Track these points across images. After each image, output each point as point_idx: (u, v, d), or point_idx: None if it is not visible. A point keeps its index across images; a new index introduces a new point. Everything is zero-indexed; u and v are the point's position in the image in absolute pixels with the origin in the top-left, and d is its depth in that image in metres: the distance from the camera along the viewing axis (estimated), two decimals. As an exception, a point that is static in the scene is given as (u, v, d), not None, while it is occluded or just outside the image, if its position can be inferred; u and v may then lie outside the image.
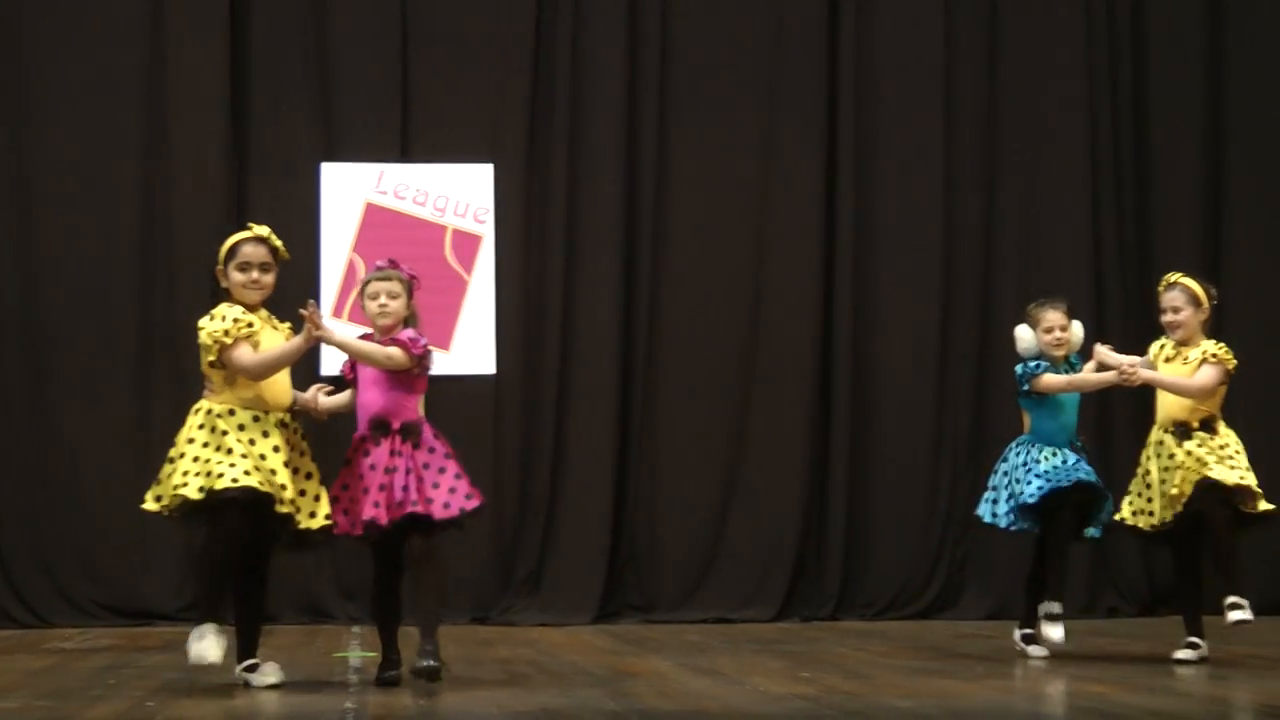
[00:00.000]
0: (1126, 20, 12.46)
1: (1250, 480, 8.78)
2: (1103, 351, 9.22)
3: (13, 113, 11.48)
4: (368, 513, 7.57)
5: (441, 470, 7.71)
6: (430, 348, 7.91)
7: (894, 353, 12.11)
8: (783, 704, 7.26)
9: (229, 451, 7.43)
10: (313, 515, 7.61)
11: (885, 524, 12.01)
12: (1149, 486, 8.95)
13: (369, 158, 11.62)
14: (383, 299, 7.85)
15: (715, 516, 11.90)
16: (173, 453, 7.59)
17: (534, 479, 11.68)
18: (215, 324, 7.57)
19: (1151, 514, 8.91)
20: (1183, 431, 8.89)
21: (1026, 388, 9.23)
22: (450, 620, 11.25)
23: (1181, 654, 8.84)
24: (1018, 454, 9.26)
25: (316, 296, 10.98)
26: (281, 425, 7.61)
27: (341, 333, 8.11)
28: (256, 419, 7.56)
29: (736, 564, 11.84)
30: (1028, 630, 9.34)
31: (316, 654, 9.38)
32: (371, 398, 7.78)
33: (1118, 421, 11.84)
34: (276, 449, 7.52)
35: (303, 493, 7.62)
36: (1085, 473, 9.08)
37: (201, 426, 7.55)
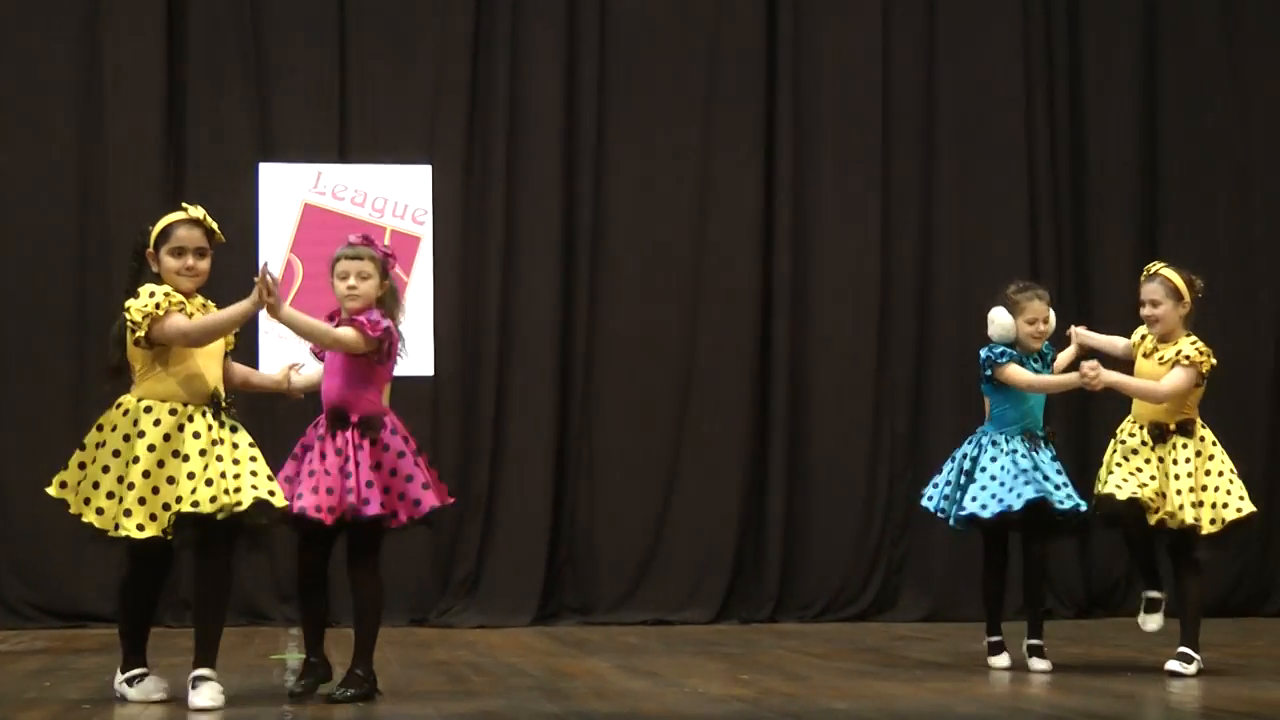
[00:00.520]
0: (1062, 23, 12.50)
1: (1215, 512, 8.48)
2: (1081, 333, 8.99)
3: (-53, 111, 11.42)
4: (308, 505, 7.21)
5: (393, 473, 7.38)
6: (396, 330, 7.44)
7: (832, 356, 12.13)
8: (721, 706, 7.26)
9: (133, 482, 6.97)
10: (238, 491, 7.02)
11: (823, 526, 12.03)
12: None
13: (307, 158, 11.58)
14: (352, 279, 7.39)
15: (653, 518, 11.90)
16: (91, 456, 7.15)
17: (472, 481, 11.65)
18: (143, 300, 7.10)
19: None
20: (1158, 434, 8.59)
21: (989, 373, 8.80)
22: (388, 622, 11.19)
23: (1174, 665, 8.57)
24: (972, 444, 8.91)
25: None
26: (204, 413, 7.11)
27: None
28: (174, 412, 7.08)
29: (674, 566, 11.85)
30: (1033, 641, 8.87)
31: (253, 656, 9.35)
32: (330, 386, 7.41)
33: (1094, 414, 11.81)
34: (191, 450, 7.02)
35: (222, 475, 7.01)
36: (1036, 488, 8.65)
37: (115, 428, 7.14)
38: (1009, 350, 8.82)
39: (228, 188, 11.39)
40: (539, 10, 11.93)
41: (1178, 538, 8.53)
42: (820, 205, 12.19)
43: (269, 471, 7.19)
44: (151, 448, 7.04)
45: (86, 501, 7.09)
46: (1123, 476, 8.51)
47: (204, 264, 7.36)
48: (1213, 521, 8.50)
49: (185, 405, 7.14)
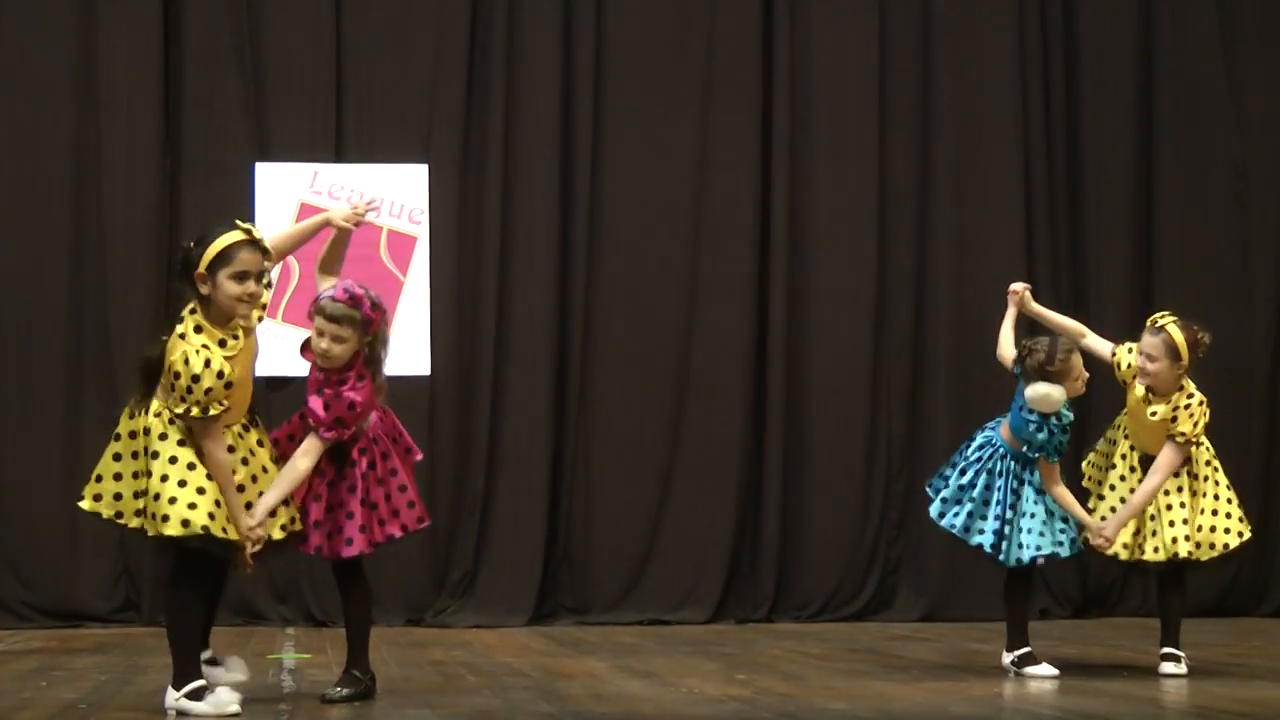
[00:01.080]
0: (1058, 24, 12.50)
1: (1210, 536, 8.45)
2: (1028, 300, 8.74)
3: (-58, 109, 11.41)
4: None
5: (338, 506, 7.31)
6: (358, 409, 7.26)
7: (829, 355, 12.13)
8: (717, 706, 7.26)
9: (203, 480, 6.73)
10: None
11: (820, 526, 12.02)
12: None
13: (303, 157, 11.56)
14: (326, 343, 7.19)
15: (650, 518, 11.90)
16: (151, 466, 6.76)
17: (468, 480, 11.65)
18: (197, 379, 6.63)
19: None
20: (1148, 464, 8.51)
21: (1035, 456, 8.51)
22: (384, 622, 11.24)
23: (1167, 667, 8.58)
24: (1013, 473, 8.56)
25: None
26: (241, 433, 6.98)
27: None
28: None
29: (671, 566, 11.84)
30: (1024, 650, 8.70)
31: (250, 656, 9.32)
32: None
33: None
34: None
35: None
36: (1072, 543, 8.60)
37: (181, 441, 6.78)
38: (1063, 444, 8.56)
39: (223, 187, 11.38)
40: (535, 10, 11.93)
41: (1166, 564, 8.53)
42: (816, 206, 12.19)
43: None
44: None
45: (166, 519, 6.71)
46: (1112, 506, 8.62)
47: (268, 293, 7.02)
48: (1211, 545, 8.51)
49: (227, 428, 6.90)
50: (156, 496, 6.70)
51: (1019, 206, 12.32)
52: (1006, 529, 8.53)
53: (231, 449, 6.88)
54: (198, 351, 6.68)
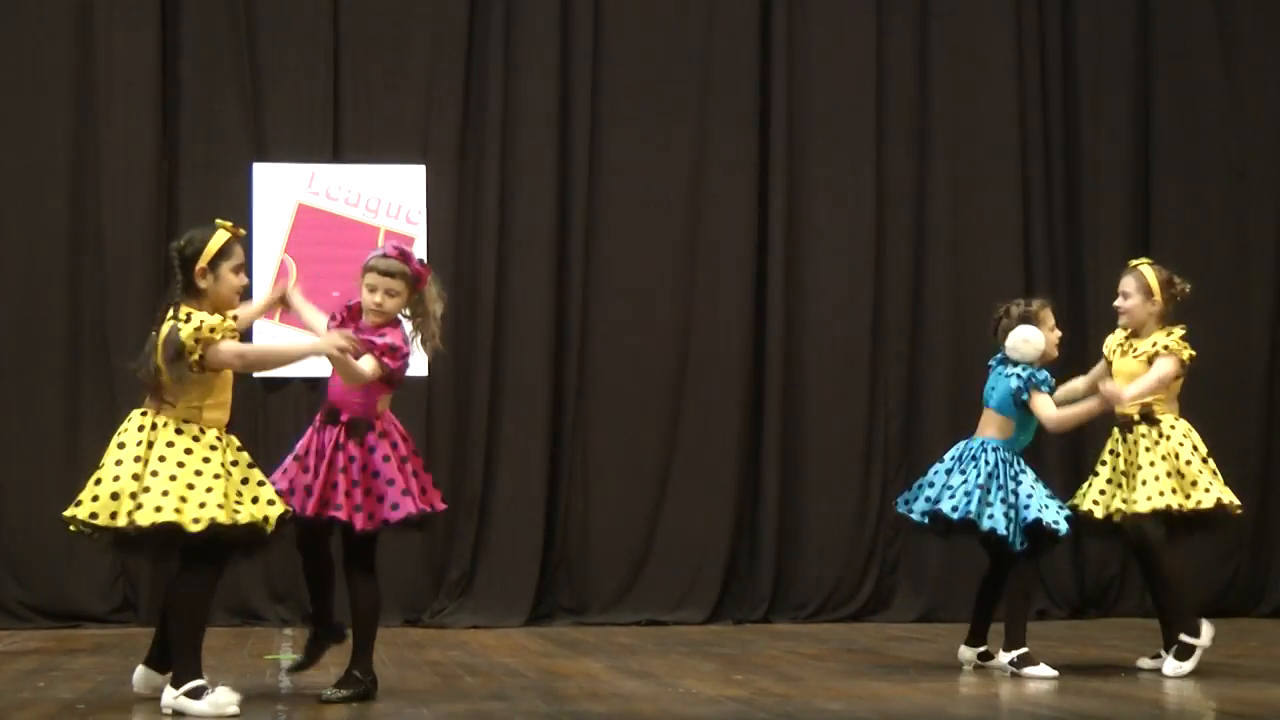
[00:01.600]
0: (1055, 26, 12.51)
1: (1170, 498, 8.55)
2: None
3: (-60, 109, 11.41)
4: (296, 500, 7.32)
5: (374, 474, 7.42)
6: (409, 353, 7.54)
7: (825, 355, 12.13)
8: (714, 706, 7.27)
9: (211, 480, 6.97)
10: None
11: (817, 526, 12.02)
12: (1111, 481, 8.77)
13: (301, 158, 11.57)
14: (380, 295, 7.46)
15: (647, 518, 11.90)
16: (134, 470, 6.96)
17: (466, 481, 11.65)
18: (193, 324, 6.96)
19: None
20: (1125, 425, 8.74)
21: (1026, 398, 8.68)
22: (382, 623, 11.20)
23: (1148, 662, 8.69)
24: (1006, 461, 8.71)
25: (249, 297, 10.92)
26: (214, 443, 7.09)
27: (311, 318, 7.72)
28: (196, 439, 7.04)
29: (668, 566, 11.84)
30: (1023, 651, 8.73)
31: (247, 656, 9.35)
32: (333, 381, 7.48)
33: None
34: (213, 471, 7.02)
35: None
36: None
37: (170, 445, 7.02)
38: (1049, 377, 8.76)
39: (221, 188, 11.39)
40: (533, 10, 11.93)
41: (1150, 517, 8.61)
42: (814, 207, 12.19)
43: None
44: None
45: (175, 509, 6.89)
46: (1095, 492, 8.84)
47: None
48: (1187, 500, 8.61)
49: (204, 433, 7.08)
50: (165, 493, 6.89)
51: (1016, 209, 12.31)
52: (1012, 513, 8.59)
53: (214, 449, 7.05)
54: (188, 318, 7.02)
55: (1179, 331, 8.80)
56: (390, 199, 11.56)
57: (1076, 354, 12.20)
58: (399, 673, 8.54)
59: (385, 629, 10.88)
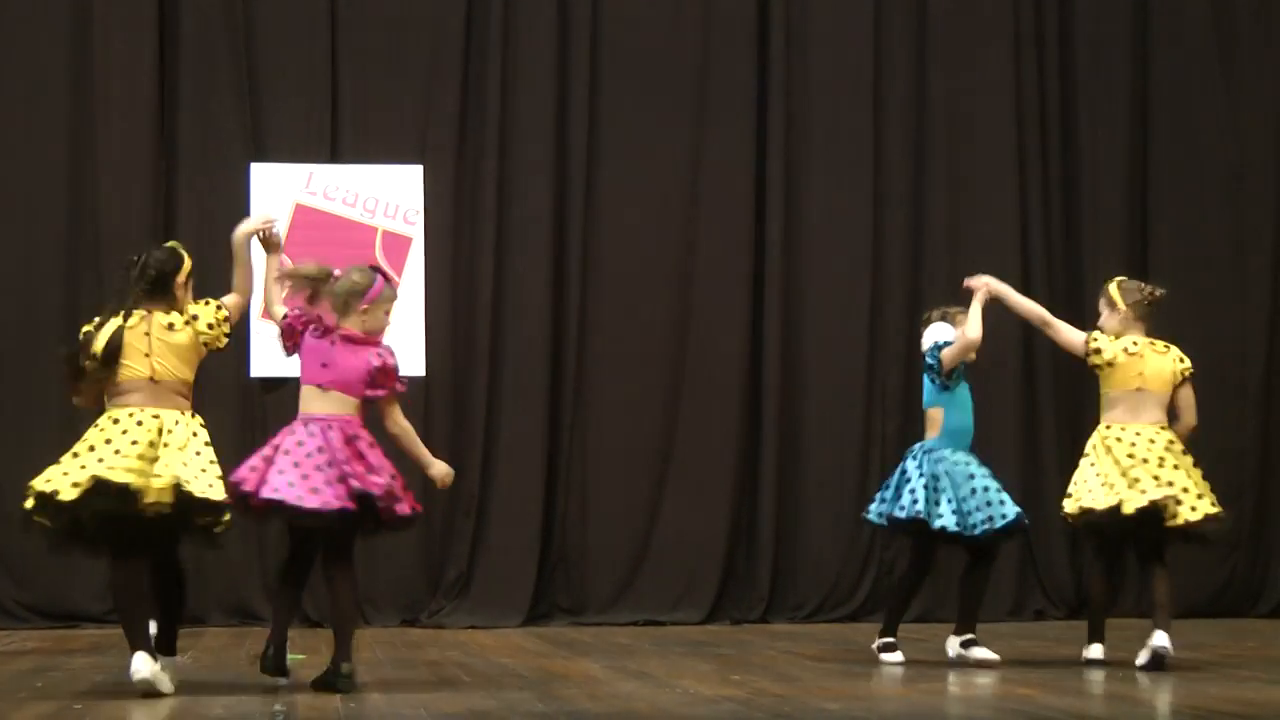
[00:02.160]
0: (1053, 27, 12.52)
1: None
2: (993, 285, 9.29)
3: (-62, 110, 11.41)
4: (325, 497, 7.47)
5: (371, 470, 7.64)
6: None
7: (823, 356, 12.14)
8: (712, 706, 7.27)
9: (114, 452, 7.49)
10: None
11: (815, 527, 12.03)
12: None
13: (298, 158, 11.57)
14: (380, 320, 7.85)
15: (645, 519, 11.91)
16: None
17: (463, 481, 11.62)
18: (212, 312, 7.72)
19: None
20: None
21: (936, 367, 9.10)
22: (380, 623, 11.25)
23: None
24: (945, 459, 9.05)
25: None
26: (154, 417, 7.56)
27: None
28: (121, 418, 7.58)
29: (666, 566, 11.85)
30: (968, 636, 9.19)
31: (245, 656, 9.34)
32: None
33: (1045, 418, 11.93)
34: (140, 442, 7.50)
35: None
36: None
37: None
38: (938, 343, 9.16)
39: (219, 188, 11.40)
40: (530, 11, 11.93)
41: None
42: (811, 209, 12.20)
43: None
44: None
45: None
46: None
47: None
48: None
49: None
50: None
51: (1014, 209, 12.33)
52: (963, 506, 8.95)
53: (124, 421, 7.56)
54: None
55: (1128, 338, 8.99)
56: (388, 199, 11.56)
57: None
58: (397, 673, 8.54)
59: (383, 629, 10.92)
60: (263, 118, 11.64)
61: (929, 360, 9.16)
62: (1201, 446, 9.10)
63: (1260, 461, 12.38)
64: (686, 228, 12.08)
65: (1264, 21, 12.72)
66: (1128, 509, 8.64)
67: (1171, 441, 8.81)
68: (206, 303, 7.75)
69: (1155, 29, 12.61)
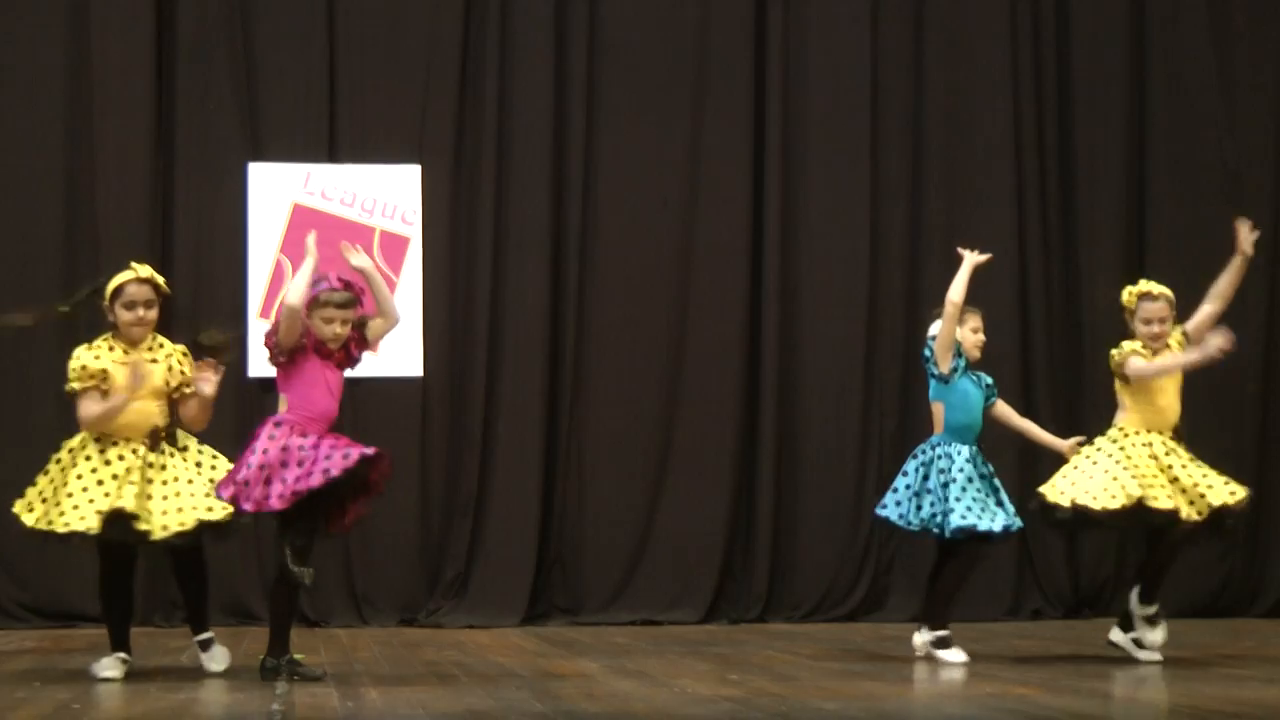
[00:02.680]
0: (1050, 25, 12.52)
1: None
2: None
3: (-65, 109, 11.41)
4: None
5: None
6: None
7: (820, 356, 12.14)
8: (710, 706, 7.27)
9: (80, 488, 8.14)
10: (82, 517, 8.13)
11: (812, 526, 12.03)
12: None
13: (296, 158, 11.57)
14: (338, 326, 7.98)
15: (642, 518, 11.91)
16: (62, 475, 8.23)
17: (461, 481, 11.66)
18: (72, 363, 8.25)
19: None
20: (1177, 436, 9.09)
21: (928, 354, 9.22)
22: (378, 623, 11.26)
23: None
24: (944, 456, 9.17)
25: (244, 297, 10.95)
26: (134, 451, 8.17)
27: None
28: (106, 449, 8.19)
29: (663, 566, 11.85)
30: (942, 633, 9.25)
31: (242, 656, 9.34)
32: (333, 405, 8.08)
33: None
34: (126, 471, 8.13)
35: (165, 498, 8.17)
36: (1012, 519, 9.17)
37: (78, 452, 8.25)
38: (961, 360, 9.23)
39: (217, 188, 11.40)
40: (527, 11, 11.93)
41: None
42: (809, 207, 12.20)
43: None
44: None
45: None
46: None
47: (152, 314, 8.28)
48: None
49: (115, 444, 8.23)
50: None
51: (1011, 209, 12.33)
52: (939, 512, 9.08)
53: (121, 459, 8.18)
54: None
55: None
56: (385, 199, 11.56)
57: (1073, 351, 12.29)
58: (394, 672, 8.54)
59: (381, 629, 10.92)
60: (261, 118, 11.64)
61: (925, 353, 9.25)
62: (1200, 446, 9.12)
63: (1257, 461, 12.37)
64: (684, 226, 12.08)
65: (1262, 20, 12.72)
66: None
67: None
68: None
69: (1152, 28, 12.61)
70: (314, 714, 7.00)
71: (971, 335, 9.27)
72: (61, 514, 8.06)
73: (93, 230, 11.37)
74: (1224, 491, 8.92)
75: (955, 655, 9.00)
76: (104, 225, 11.35)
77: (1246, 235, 9.17)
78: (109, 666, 8.22)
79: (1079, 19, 12.54)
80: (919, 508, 9.13)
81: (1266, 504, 12.41)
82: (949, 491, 9.04)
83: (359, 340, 8.05)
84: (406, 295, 11.47)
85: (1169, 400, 9.09)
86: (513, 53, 11.91)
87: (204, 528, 8.18)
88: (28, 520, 8.19)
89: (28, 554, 11.16)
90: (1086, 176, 12.50)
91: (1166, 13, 12.62)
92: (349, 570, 11.42)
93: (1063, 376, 12.11)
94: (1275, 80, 12.73)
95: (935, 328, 9.23)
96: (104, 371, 8.19)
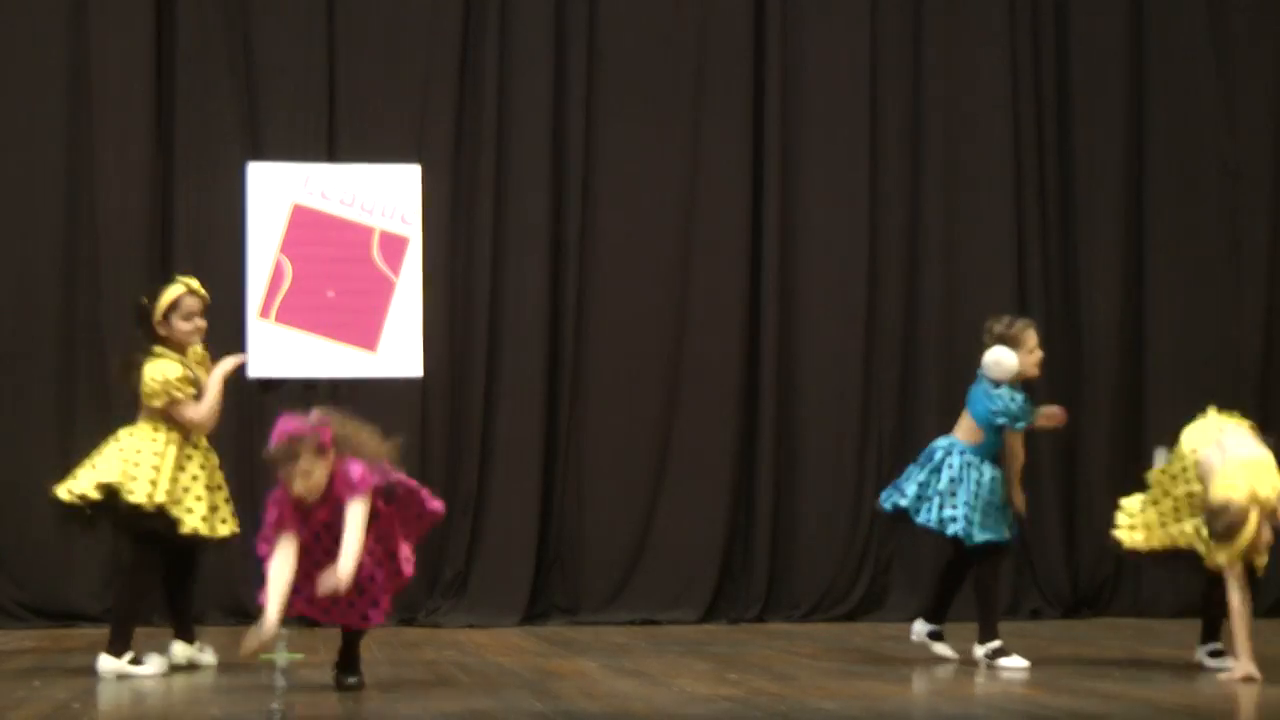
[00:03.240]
0: (1050, 26, 12.53)
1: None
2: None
3: (-66, 110, 11.41)
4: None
5: None
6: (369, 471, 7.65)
7: (819, 355, 12.14)
8: (709, 705, 7.28)
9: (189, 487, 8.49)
10: (224, 522, 8.62)
11: (811, 526, 12.03)
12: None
13: (296, 158, 11.55)
14: (300, 482, 7.50)
15: (642, 518, 11.91)
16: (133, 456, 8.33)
17: (461, 481, 11.66)
18: (165, 376, 8.44)
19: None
20: None
21: (1002, 425, 8.94)
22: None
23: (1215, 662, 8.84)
24: (970, 465, 9.03)
25: (243, 297, 10.94)
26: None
27: None
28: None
29: (663, 565, 11.85)
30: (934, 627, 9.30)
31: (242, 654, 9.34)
32: None
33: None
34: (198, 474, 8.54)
35: (214, 508, 8.58)
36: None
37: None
38: (1027, 412, 9.01)
39: (216, 188, 11.38)
40: (527, 11, 11.94)
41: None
42: (807, 208, 12.20)
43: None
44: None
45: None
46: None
47: (204, 322, 8.80)
48: None
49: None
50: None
51: (1010, 209, 12.33)
52: (971, 514, 8.96)
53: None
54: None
55: None
56: (385, 199, 11.52)
57: (1073, 351, 12.27)
58: (393, 672, 8.55)
59: (380, 628, 10.89)
60: (260, 117, 11.64)
61: (1004, 421, 8.96)
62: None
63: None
64: (683, 228, 12.08)
65: (1260, 20, 12.72)
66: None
67: None
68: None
69: (1151, 28, 12.60)
70: (312, 714, 7.01)
71: (1029, 356, 9.03)
72: (189, 511, 8.41)
73: (92, 231, 11.36)
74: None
75: (1016, 662, 8.82)
76: (104, 225, 11.34)
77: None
78: (156, 663, 8.45)
79: (1078, 19, 12.54)
80: (941, 506, 9.01)
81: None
82: (976, 503, 8.97)
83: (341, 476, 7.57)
84: (406, 295, 11.44)
85: None
86: (512, 53, 11.91)
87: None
88: (157, 498, 8.32)
89: (27, 554, 11.18)
90: (1086, 176, 12.50)
91: (1166, 13, 12.62)
92: (348, 570, 11.40)
93: (1062, 377, 12.10)
94: (1275, 80, 12.73)
95: (996, 354, 8.91)
96: (195, 378, 8.63)
